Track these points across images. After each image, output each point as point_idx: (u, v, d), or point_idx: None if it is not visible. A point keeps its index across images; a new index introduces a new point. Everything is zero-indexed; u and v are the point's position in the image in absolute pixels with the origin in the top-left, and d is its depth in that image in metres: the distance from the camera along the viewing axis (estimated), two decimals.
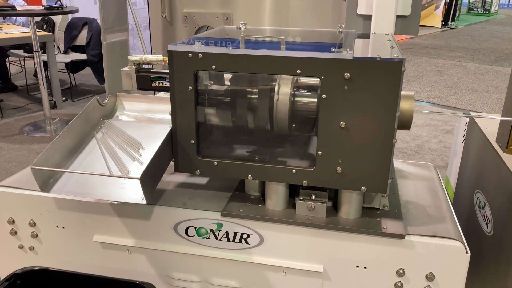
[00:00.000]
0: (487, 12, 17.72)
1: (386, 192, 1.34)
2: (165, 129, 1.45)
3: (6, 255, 1.69)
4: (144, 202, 1.32)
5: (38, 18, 6.01)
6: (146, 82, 1.54)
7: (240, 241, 1.47)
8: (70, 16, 6.33)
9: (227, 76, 1.49)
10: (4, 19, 6.41)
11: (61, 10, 4.67)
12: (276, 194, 1.46)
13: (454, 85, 7.18)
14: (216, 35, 1.64)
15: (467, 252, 1.33)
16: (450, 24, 14.18)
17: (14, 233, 1.65)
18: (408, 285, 1.39)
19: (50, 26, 6.15)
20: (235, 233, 1.46)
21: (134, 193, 1.35)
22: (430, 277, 1.36)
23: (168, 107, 1.44)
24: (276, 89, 1.38)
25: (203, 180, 1.66)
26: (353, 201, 1.41)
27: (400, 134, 4.94)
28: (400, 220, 1.42)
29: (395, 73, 1.22)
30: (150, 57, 1.55)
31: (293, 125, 1.43)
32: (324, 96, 1.29)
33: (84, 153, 1.47)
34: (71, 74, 6.20)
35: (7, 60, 6.35)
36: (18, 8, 4.60)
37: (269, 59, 1.29)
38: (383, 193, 1.35)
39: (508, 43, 11.30)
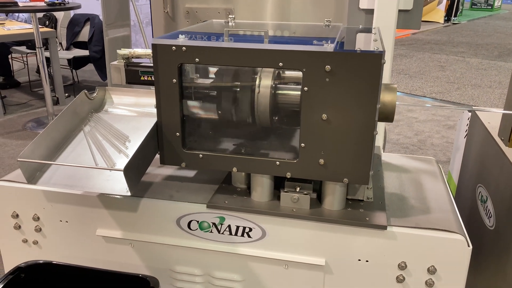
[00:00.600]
0: (490, 7, 17.64)
1: (368, 183, 1.35)
2: (152, 122, 1.47)
3: (10, 249, 1.71)
4: (129, 193, 1.33)
5: (40, 14, 6.02)
6: (135, 76, 1.56)
7: (242, 235, 1.47)
8: (72, 12, 6.33)
9: (213, 69, 1.50)
10: (6, 15, 6.42)
11: (63, 6, 4.67)
12: (261, 186, 1.47)
13: (456, 80, 7.16)
14: (203, 29, 1.65)
15: (468, 245, 1.33)
16: (453, 20, 14.12)
17: (18, 227, 1.66)
18: (410, 278, 1.40)
19: (52, 23, 6.16)
20: (238, 227, 1.47)
21: (119, 185, 1.36)
22: (432, 270, 1.37)
23: None
24: (257, 82, 1.40)
25: (192, 173, 1.68)
26: (336, 192, 1.42)
27: (402, 129, 4.94)
28: (383, 211, 1.43)
29: (375, 65, 1.23)
30: (139, 51, 1.56)
31: (275, 118, 1.44)
32: (305, 88, 1.30)
33: (71, 146, 1.49)
34: (74, 70, 6.20)
35: (9, 56, 6.36)
36: (20, 4, 4.61)
37: (251, 52, 1.30)
38: (365, 184, 1.37)
39: (511, 38, 11.25)
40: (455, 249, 1.34)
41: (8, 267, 1.72)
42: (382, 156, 1.88)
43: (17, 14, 6.56)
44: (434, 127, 5.01)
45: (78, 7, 4.80)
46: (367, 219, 1.39)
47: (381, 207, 1.46)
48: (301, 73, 1.29)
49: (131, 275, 1.39)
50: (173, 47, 1.35)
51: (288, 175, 1.40)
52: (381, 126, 2.18)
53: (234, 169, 1.44)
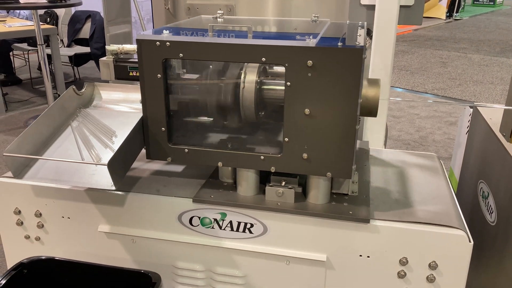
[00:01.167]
0: (492, 3, 17.58)
1: (351, 177, 1.37)
2: (139, 117, 1.47)
3: (13, 245, 1.71)
4: (113, 188, 1.34)
5: (41, 11, 6.02)
6: (123, 71, 1.56)
7: (244, 231, 1.48)
8: (73, 9, 6.33)
9: (198, 65, 1.51)
10: (7, 12, 6.42)
11: (64, 3, 4.67)
12: (247, 181, 1.48)
13: (458, 76, 7.15)
14: (191, 24, 1.65)
15: (470, 241, 1.33)
16: (455, 16, 14.08)
17: (20, 223, 1.66)
18: (411, 274, 1.40)
19: (54, 19, 6.16)
20: (239, 223, 1.47)
21: (104, 179, 1.37)
22: (433, 266, 1.37)
23: None
24: (242, 77, 1.40)
25: (180, 168, 1.69)
26: (320, 186, 1.43)
27: (404, 125, 4.94)
28: (366, 205, 1.43)
29: (356, 60, 1.24)
30: (127, 47, 1.57)
31: (261, 113, 1.45)
32: (288, 83, 1.30)
33: (58, 141, 1.50)
34: (75, 67, 6.21)
35: (11, 53, 6.37)
36: (21, 1, 4.60)
37: (234, 47, 1.31)
38: (348, 178, 1.39)
39: None
40: (456, 245, 1.34)
41: (10, 263, 1.73)
42: (383, 152, 1.88)
43: (18, 11, 6.56)
44: (436, 124, 5.00)
45: (79, 4, 4.80)
46: (350, 212, 1.40)
47: (365, 201, 1.46)
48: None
49: (133, 271, 1.40)
50: (157, 43, 1.35)
51: (273, 169, 1.41)
52: (382, 122, 2.18)
53: (220, 164, 1.45)
